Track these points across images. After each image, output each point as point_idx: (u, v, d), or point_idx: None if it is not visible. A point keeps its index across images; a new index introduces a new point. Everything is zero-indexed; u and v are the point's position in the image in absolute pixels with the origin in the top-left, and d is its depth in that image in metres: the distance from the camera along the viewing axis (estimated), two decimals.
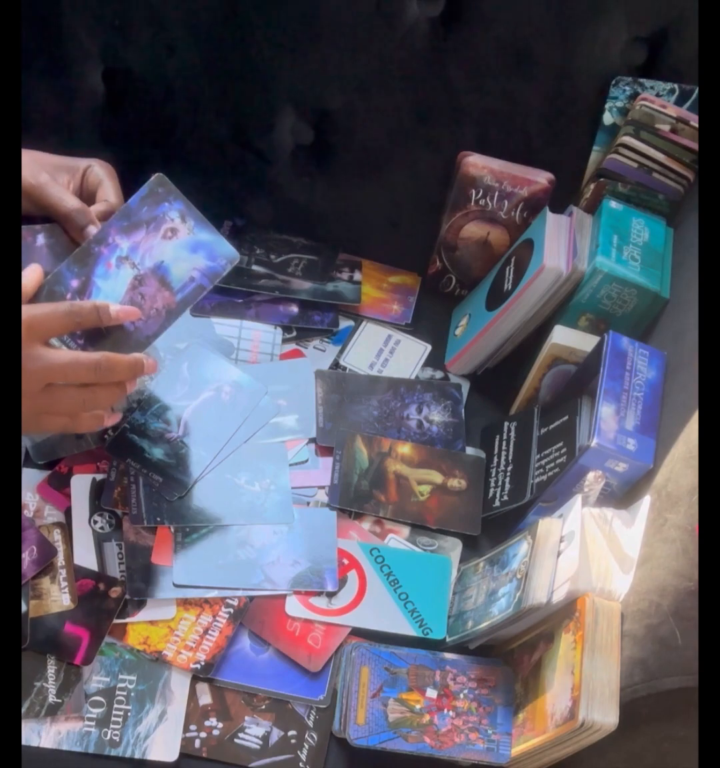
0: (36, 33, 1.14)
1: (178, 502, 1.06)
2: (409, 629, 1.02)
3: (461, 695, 0.98)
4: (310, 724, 0.97)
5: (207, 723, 0.96)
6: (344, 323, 1.26)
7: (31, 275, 0.96)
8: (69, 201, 1.01)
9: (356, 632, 1.02)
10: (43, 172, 1.01)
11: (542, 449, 1.10)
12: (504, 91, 1.22)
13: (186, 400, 1.13)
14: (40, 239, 1.01)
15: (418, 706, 0.96)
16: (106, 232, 0.98)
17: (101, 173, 1.05)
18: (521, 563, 0.99)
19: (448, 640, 1.02)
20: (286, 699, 0.98)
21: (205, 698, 0.97)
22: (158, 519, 1.05)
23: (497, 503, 1.11)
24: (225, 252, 0.99)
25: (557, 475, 1.05)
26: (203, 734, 0.95)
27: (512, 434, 1.15)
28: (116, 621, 0.99)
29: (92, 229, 1.00)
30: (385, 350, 1.25)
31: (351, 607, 1.03)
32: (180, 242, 0.98)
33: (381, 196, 1.30)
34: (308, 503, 1.10)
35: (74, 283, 0.97)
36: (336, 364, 1.22)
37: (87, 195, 1.05)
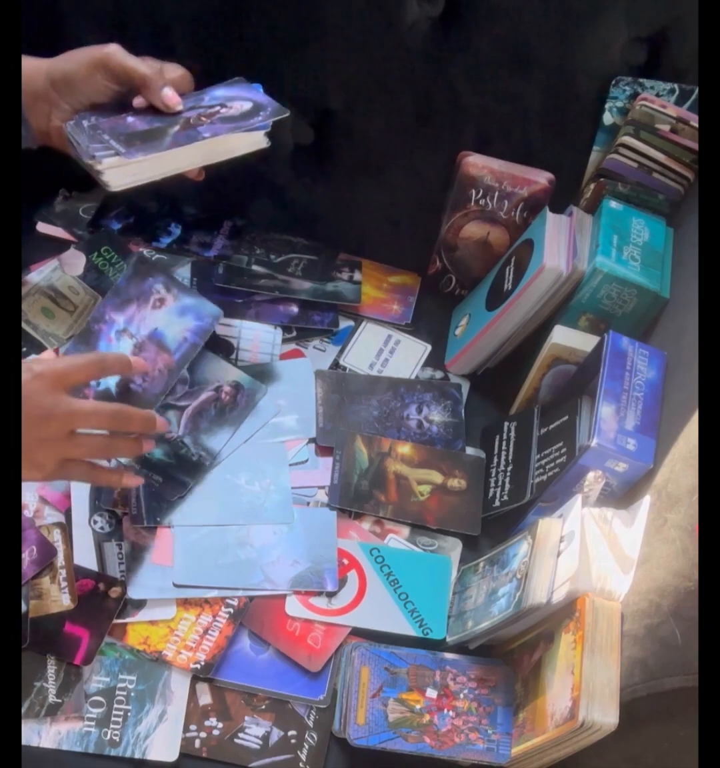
0: (36, 33, 1.14)
1: (178, 502, 1.06)
2: (409, 629, 1.02)
3: (461, 695, 0.98)
4: (310, 724, 0.97)
5: (207, 723, 0.96)
6: (344, 323, 1.26)
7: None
8: (144, 65, 1.05)
9: (356, 632, 1.02)
10: (111, 43, 1.05)
11: (542, 449, 1.10)
12: (504, 91, 1.22)
13: (186, 400, 1.13)
14: None
15: (418, 706, 0.96)
16: (101, 311, 1.09)
17: (155, 61, 1.08)
18: (521, 563, 0.99)
19: (448, 640, 1.02)
20: (286, 699, 0.98)
21: (205, 698, 0.97)
22: (158, 519, 1.05)
23: (497, 503, 1.11)
24: (209, 311, 1.11)
25: (557, 475, 1.05)
26: (203, 734, 0.95)
27: (512, 434, 1.15)
28: (116, 621, 0.99)
29: (167, 91, 1.05)
30: (385, 350, 1.25)
31: (351, 607, 1.03)
32: (168, 309, 1.08)
33: (381, 196, 1.30)
34: (308, 503, 1.10)
35: None
36: (336, 364, 1.22)
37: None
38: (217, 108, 1.08)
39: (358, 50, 1.21)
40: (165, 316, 1.07)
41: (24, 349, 1.14)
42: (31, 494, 1.06)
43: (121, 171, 1.03)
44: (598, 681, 0.89)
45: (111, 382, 1.04)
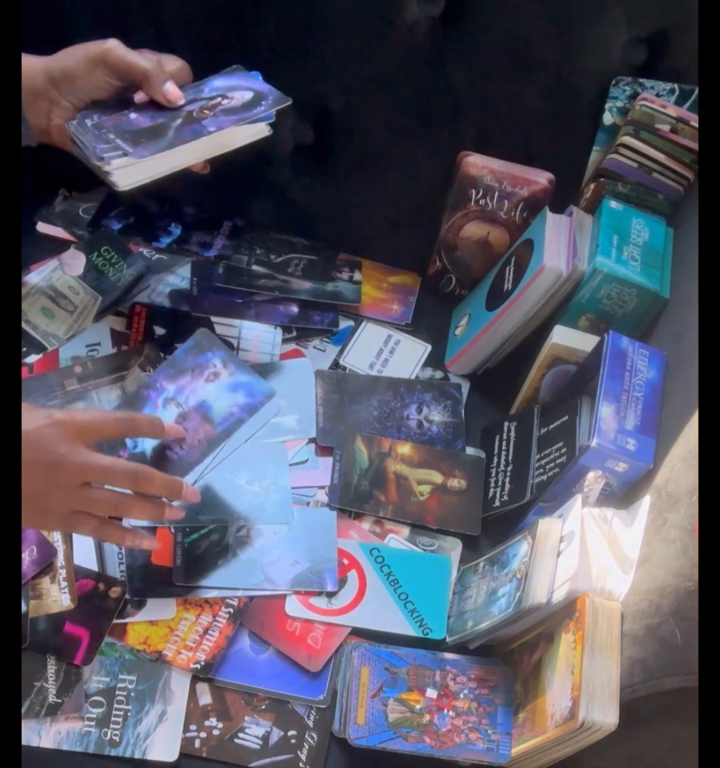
0: (36, 32, 1.14)
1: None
2: (409, 629, 1.02)
3: (461, 695, 0.98)
4: (310, 724, 0.97)
5: (207, 723, 0.96)
6: (344, 323, 1.26)
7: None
8: (144, 60, 1.05)
9: (356, 632, 1.02)
10: (109, 39, 1.04)
11: (542, 449, 1.10)
12: (504, 91, 1.22)
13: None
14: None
15: (418, 706, 0.96)
16: (154, 378, 1.06)
17: (153, 53, 1.08)
18: (521, 563, 0.99)
19: (448, 640, 1.02)
20: (286, 699, 0.98)
21: (205, 698, 0.97)
22: None
23: (497, 503, 1.11)
24: (263, 390, 1.05)
25: (557, 475, 1.05)
26: (203, 734, 0.95)
27: (512, 434, 1.15)
28: (116, 621, 0.99)
29: (169, 86, 1.05)
30: (385, 350, 1.25)
31: (351, 607, 1.03)
32: (221, 384, 1.05)
33: (381, 196, 1.30)
34: (308, 503, 1.10)
35: None
36: (336, 364, 1.22)
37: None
38: (218, 99, 1.08)
39: (358, 50, 1.21)
40: (216, 389, 1.04)
41: (24, 349, 1.14)
42: None
43: (129, 170, 1.03)
44: (598, 681, 0.89)
45: (148, 445, 1.00)
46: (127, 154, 1.01)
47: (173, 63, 1.08)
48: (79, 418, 0.91)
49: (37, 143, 1.08)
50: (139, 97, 1.07)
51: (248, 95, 1.09)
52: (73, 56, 1.05)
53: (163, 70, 1.06)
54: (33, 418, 0.88)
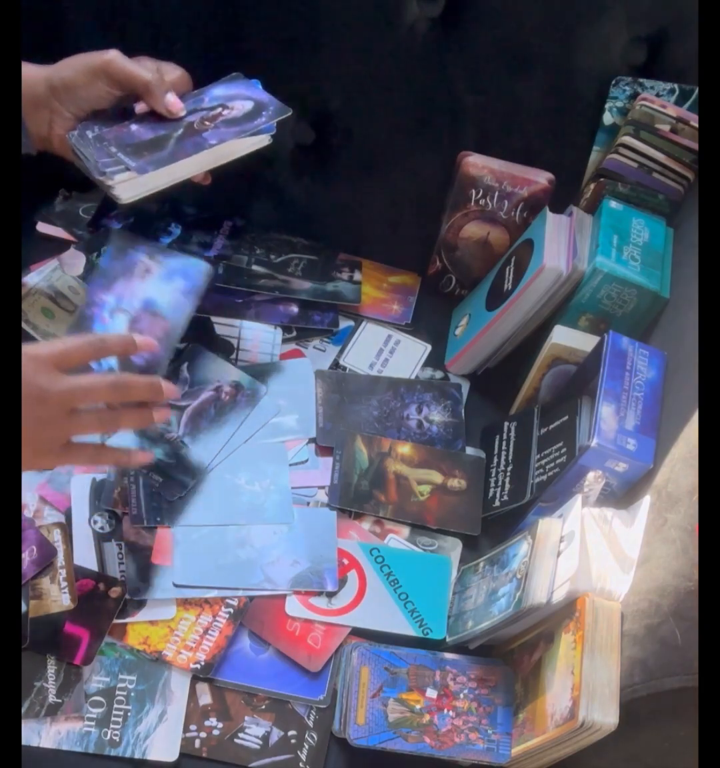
0: (36, 32, 1.14)
1: (178, 502, 1.06)
2: (409, 629, 1.02)
3: (461, 695, 0.98)
4: (310, 724, 0.97)
5: (207, 723, 0.96)
6: (344, 323, 1.26)
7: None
8: (145, 71, 1.05)
9: (356, 632, 1.02)
10: (110, 50, 1.04)
11: (542, 449, 1.10)
12: (504, 91, 1.22)
13: (186, 400, 1.13)
14: None
15: (418, 706, 0.96)
16: (91, 294, 1.05)
17: (152, 62, 1.08)
18: (521, 563, 0.99)
19: (448, 640, 1.02)
20: (286, 699, 0.98)
21: (205, 698, 0.97)
22: (158, 519, 1.05)
23: (497, 503, 1.11)
24: (197, 268, 1.07)
25: (557, 475, 1.05)
26: (203, 734, 0.95)
27: (512, 434, 1.15)
28: (116, 621, 0.99)
29: (170, 97, 1.05)
30: (385, 350, 1.25)
31: (351, 607, 1.03)
32: (156, 276, 1.06)
33: (381, 196, 1.30)
34: (308, 503, 1.10)
35: None
36: (336, 364, 1.22)
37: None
38: (219, 109, 1.08)
39: (358, 50, 1.21)
40: (154, 284, 1.05)
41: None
42: (30, 494, 1.06)
43: (132, 184, 1.04)
44: (598, 681, 0.89)
45: (112, 361, 1.00)
46: (129, 169, 1.02)
47: (173, 72, 1.08)
48: (53, 348, 0.91)
49: (37, 151, 1.08)
50: (140, 108, 1.07)
51: (249, 105, 1.09)
52: (74, 66, 1.05)
53: (164, 81, 1.06)
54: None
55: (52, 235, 1.27)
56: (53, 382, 0.89)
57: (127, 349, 0.97)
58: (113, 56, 1.04)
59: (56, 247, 1.25)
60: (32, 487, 1.06)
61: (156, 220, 1.29)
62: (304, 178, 1.29)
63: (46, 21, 1.19)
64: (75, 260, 1.23)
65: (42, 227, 1.27)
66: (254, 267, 1.27)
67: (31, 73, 1.04)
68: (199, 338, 1.18)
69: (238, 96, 1.11)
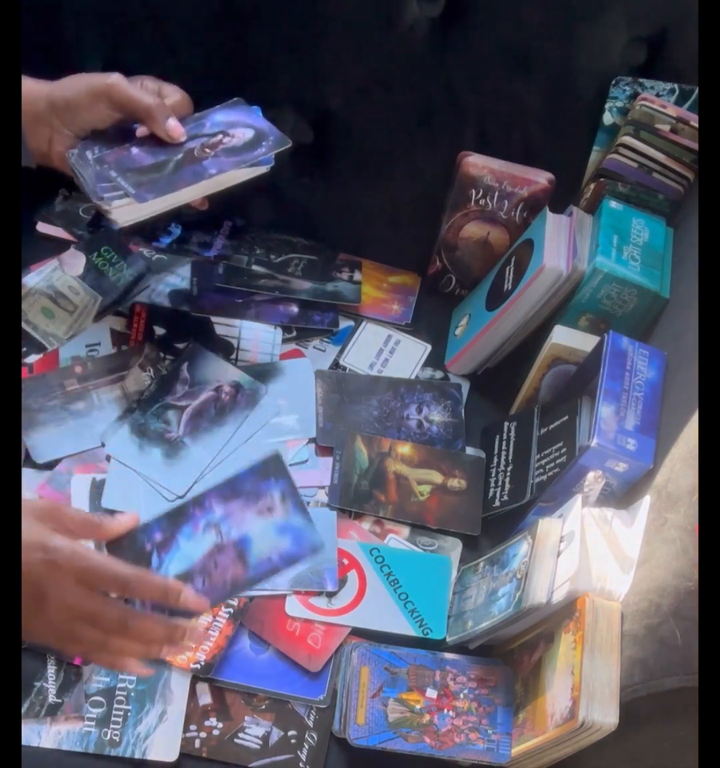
0: (36, 32, 1.14)
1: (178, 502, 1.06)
2: (409, 629, 1.02)
3: (461, 695, 0.98)
4: (310, 724, 0.97)
5: (207, 723, 0.96)
6: (344, 323, 1.26)
7: (125, 521, 0.91)
8: (147, 96, 1.05)
9: (356, 632, 1.02)
10: (112, 73, 1.04)
11: (542, 449, 1.10)
12: (504, 91, 1.22)
13: (186, 400, 1.13)
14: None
15: (418, 706, 0.96)
16: (207, 495, 0.95)
17: (154, 82, 1.08)
18: (521, 563, 0.99)
19: (448, 640, 1.02)
20: (286, 699, 0.98)
21: (205, 698, 0.97)
22: None
23: (497, 503, 1.11)
24: (311, 541, 0.94)
25: (557, 475, 1.05)
26: (203, 734, 0.95)
27: (512, 434, 1.15)
28: None
29: (172, 123, 1.05)
30: (385, 350, 1.25)
31: (351, 607, 1.03)
32: (272, 522, 0.95)
33: (381, 196, 1.30)
34: (308, 503, 1.10)
35: (158, 536, 0.93)
36: (336, 364, 1.22)
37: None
38: (219, 136, 1.08)
39: (358, 50, 1.21)
40: (263, 527, 0.94)
41: (24, 349, 1.14)
42: (31, 494, 1.05)
43: (129, 209, 1.04)
44: (598, 681, 0.89)
45: (172, 569, 0.91)
46: (128, 196, 1.02)
47: (174, 95, 1.08)
48: (78, 563, 0.81)
49: (37, 165, 1.07)
50: (141, 131, 1.07)
51: (249, 134, 1.09)
52: (76, 87, 1.05)
53: (166, 107, 1.06)
54: (27, 545, 0.79)
55: (52, 235, 1.27)
56: (61, 595, 0.80)
57: (169, 600, 0.85)
58: (116, 80, 1.04)
59: (56, 247, 1.25)
60: (32, 487, 1.06)
61: (156, 220, 1.29)
62: (304, 178, 1.29)
63: (46, 21, 1.19)
64: (75, 260, 1.23)
65: (42, 227, 1.27)
66: (254, 267, 1.27)
67: (32, 88, 1.04)
68: (199, 338, 1.18)
69: (239, 123, 1.10)
